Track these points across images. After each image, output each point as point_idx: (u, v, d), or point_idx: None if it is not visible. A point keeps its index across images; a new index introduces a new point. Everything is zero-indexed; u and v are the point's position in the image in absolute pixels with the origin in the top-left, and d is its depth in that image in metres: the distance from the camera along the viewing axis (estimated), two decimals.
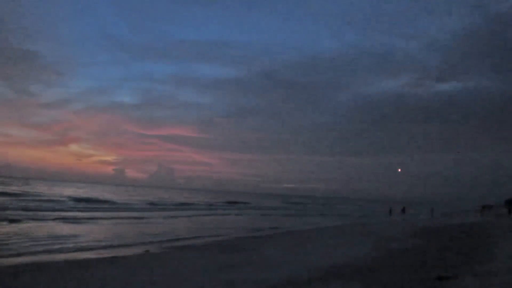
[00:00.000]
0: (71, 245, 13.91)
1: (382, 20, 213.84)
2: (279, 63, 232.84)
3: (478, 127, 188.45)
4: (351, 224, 31.92)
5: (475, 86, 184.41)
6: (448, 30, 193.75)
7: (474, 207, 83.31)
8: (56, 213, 28.23)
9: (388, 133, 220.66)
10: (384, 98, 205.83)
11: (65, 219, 24.04)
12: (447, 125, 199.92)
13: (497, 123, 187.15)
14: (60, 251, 12.72)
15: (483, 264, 9.99)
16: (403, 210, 56.08)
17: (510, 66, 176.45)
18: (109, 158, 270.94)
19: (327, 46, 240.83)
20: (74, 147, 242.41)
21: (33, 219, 22.55)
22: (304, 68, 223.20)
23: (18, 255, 11.65)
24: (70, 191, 74.56)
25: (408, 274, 8.94)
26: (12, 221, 20.49)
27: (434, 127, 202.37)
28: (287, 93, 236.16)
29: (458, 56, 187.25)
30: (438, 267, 9.74)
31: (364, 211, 72.18)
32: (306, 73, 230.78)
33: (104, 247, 13.85)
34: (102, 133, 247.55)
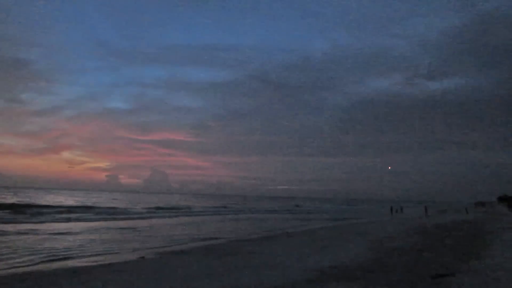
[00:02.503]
0: (66, 253, 13.73)
1: (373, 21, 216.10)
2: (270, 65, 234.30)
3: (469, 125, 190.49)
4: (348, 224, 31.96)
5: (465, 84, 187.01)
6: (437, 29, 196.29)
7: (465, 204, 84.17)
8: (49, 221, 27.97)
9: (380, 132, 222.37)
10: (376, 98, 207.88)
11: (58, 227, 23.79)
12: (438, 123, 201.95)
13: (487, 120, 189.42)
14: (55, 259, 12.54)
15: (479, 261, 10.03)
16: (401, 209, 56.78)
17: (498, 64, 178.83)
18: (102, 164, 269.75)
19: (318, 47, 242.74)
20: (66, 155, 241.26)
21: (27, 228, 22.28)
22: (296, 69, 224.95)
23: (14, 265, 11.47)
24: (63, 199, 73.93)
25: (405, 273, 8.95)
26: (4, 233, 20.18)
27: (425, 125, 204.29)
28: (279, 94, 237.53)
29: (448, 54, 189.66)
30: (434, 265, 9.76)
31: (361, 211, 72.35)
32: (298, 75, 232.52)
33: (99, 254, 13.69)
34: (95, 139, 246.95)
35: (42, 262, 12.01)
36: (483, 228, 23.75)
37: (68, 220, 30.50)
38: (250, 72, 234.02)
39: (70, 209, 42.90)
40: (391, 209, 52.62)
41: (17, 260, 12.22)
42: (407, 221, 34.16)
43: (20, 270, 10.54)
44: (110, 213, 41.05)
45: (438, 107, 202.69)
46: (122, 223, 28.85)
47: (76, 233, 20.84)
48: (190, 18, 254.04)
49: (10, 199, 55.41)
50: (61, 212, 37.81)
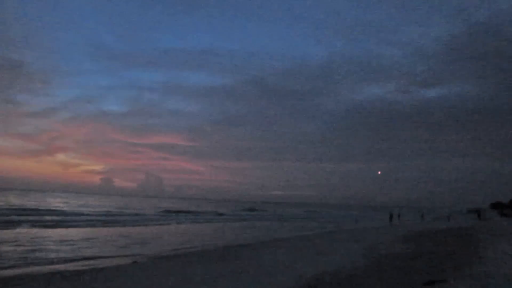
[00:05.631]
0: (59, 257, 13.59)
1: (368, 28, 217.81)
2: (266, 71, 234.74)
3: (463, 132, 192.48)
4: (342, 230, 31.98)
5: (459, 91, 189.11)
6: (432, 37, 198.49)
7: (453, 211, 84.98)
8: (42, 224, 27.69)
9: (375, 139, 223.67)
10: (371, 105, 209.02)
11: (52, 230, 23.57)
12: (433, 130, 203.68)
13: (481, 128, 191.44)
14: (47, 262, 12.41)
15: (471, 268, 10.08)
16: (399, 216, 56.94)
17: (491, 72, 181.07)
18: (96, 167, 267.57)
19: (314, 54, 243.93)
20: (61, 157, 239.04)
21: (20, 230, 22.04)
22: (292, 75, 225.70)
23: (4, 268, 11.33)
24: (56, 202, 73.30)
25: (398, 279, 8.96)
26: None
27: (419, 133, 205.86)
28: (275, 100, 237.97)
29: (442, 62, 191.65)
30: (427, 272, 9.79)
31: (358, 217, 72.42)
32: (294, 81, 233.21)
33: (92, 258, 13.56)
34: (90, 142, 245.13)
35: (34, 266, 11.87)
36: (475, 234, 23.87)
37: (59, 222, 30.17)
38: (247, 77, 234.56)
39: (60, 212, 42.56)
40: (391, 216, 52.22)
41: (5, 264, 12.07)
42: (403, 228, 34.27)
43: (11, 273, 10.41)
44: (103, 216, 40.64)
45: (432, 115, 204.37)
46: (115, 227, 28.60)
47: (67, 237, 20.64)
48: (187, 23, 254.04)
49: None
50: (54, 215, 37.44)
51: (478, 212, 62.51)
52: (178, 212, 59.99)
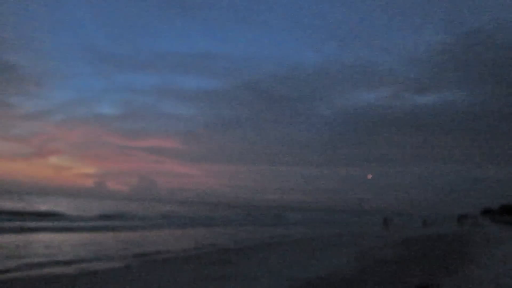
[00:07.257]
0: (49, 260, 13.47)
1: (362, 34, 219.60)
2: (261, 75, 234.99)
3: (455, 138, 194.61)
4: (335, 234, 32.07)
5: (452, 98, 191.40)
6: (425, 44, 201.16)
7: (442, 217, 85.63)
8: (33, 228, 27.39)
9: (368, 145, 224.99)
10: (364, 111, 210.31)
11: (42, 232, 23.35)
12: (425, 136, 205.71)
13: (474, 134, 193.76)
14: (37, 266, 12.29)
15: (462, 272, 10.21)
16: (391, 221, 57.45)
17: (484, 79, 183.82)
18: (90, 170, 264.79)
19: (308, 59, 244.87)
20: (54, 160, 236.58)
21: (11, 232, 21.81)
22: (286, 80, 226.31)
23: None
24: (48, 205, 72.58)
25: (390, 283, 9.05)
26: None
27: (412, 139, 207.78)
28: (269, 104, 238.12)
29: (435, 69, 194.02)
30: (419, 276, 9.90)
31: (351, 222, 72.58)
32: (288, 85, 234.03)
33: (83, 261, 13.47)
34: (83, 145, 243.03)
35: (22, 270, 11.75)
36: (467, 240, 24.12)
37: (48, 224, 29.85)
38: (241, 82, 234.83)
39: (52, 214, 42.21)
40: (385, 220, 52.19)
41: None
42: (396, 232, 34.46)
43: (3, 277, 10.32)
44: (97, 219, 40.34)
45: (425, 121, 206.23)
46: (106, 229, 28.37)
47: (58, 239, 20.47)
48: (182, 26, 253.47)
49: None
50: (47, 217, 37.07)
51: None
52: (171, 216, 59.72)
